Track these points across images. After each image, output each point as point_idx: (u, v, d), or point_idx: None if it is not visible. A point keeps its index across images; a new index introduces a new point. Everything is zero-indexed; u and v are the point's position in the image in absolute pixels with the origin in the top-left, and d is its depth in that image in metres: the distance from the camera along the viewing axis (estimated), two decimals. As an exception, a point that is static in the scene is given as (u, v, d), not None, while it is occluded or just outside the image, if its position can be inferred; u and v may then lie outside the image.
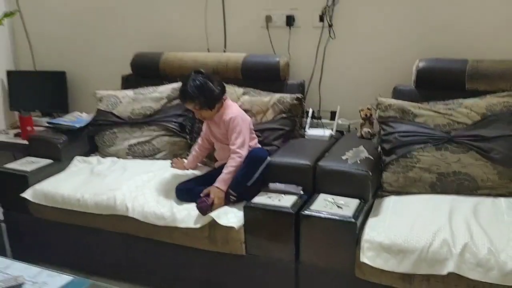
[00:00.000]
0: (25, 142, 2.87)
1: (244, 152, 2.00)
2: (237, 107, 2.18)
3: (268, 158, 1.98)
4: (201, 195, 1.93)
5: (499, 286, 1.50)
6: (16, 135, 3.02)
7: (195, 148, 2.29)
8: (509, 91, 2.01)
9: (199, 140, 2.27)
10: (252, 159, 1.98)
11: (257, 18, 2.57)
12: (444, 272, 1.54)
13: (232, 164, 1.99)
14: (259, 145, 2.16)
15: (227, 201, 1.94)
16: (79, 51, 3.08)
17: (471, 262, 1.52)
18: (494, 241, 1.55)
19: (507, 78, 2.04)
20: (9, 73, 3.17)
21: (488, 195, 1.87)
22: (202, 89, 2.02)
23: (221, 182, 1.95)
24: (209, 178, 2.04)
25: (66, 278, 1.39)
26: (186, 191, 2.02)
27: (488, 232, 1.60)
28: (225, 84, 2.14)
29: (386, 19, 2.35)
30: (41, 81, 3.13)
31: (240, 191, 1.95)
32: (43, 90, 3.13)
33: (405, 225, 1.69)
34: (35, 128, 2.94)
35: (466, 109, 1.99)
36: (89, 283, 1.38)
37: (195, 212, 1.91)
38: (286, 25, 2.52)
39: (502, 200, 1.84)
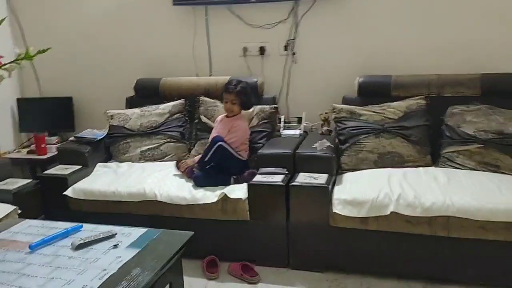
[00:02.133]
0: (40, 157, 3.43)
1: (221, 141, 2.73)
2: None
3: (219, 143, 2.68)
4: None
5: (422, 218, 2.31)
6: (28, 152, 3.54)
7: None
8: (420, 95, 2.92)
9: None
10: (211, 142, 2.74)
11: (236, 49, 3.36)
12: (387, 212, 2.33)
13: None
14: (246, 153, 2.88)
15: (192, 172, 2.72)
16: (84, 77, 3.68)
17: (404, 204, 2.33)
18: (417, 191, 2.38)
19: (418, 87, 2.95)
20: (19, 100, 3.70)
21: (412, 166, 2.73)
22: (247, 92, 2.85)
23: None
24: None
25: (142, 229, 2.03)
26: (202, 177, 2.70)
27: (413, 186, 2.43)
28: (211, 99, 2.96)
29: (333, 47, 3.22)
30: (49, 106, 3.68)
31: (202, 166, 2.70)
32: (51, 113, 3.67)
33: (360, 187, 2.49)
34: (47, 145, 3.50)
35: (393, 109, 2.87)
36: (160, 232, 2.02)
37: (209, 192, 2.60)
38: (259, 54, 3.34)
39: (421, 169, 2.70)
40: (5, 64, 3.03)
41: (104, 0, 3.55)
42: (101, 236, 1.94)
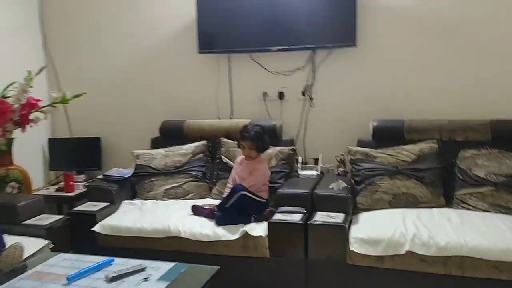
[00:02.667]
0: (68, 194, 3.60)
1: (251, 185, 2.88)
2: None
3: (241, 193, 2.80)
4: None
5: (436, 257, 2.39)
6: (57, 189, 3.71)
7: (229, 186, 3.10)
8: (432, 139, 3.06)
9: (230, 181, 3.10)
10: (232, 190, 2.86)
11: (257, 93, 3.56)
12: (403, 251, 2.42)
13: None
14: (266, 193, 3.01)
15: (213, 215, 2.82)
16: (112, 118, 3.90)
17: (418, 243, 2.42)
18: (431, 231, 2.48)
19: (430, 131, 3.09)
20: (50, 140, 3.92)
21: (425, 207, 2.84)
22: (261, 136, 2.99)
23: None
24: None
25: (170, 263, 2.15)
26: (223, 217, 2.83)
27: (427, 226, 2.53)
28: (232, 141, 3.20)
29: (348, 93, 3.41)
30: (78, 145, 3.88)
31: (221, 209, 2.81)
32: (80, 152, 3.87)
33: (376, 226, 2.60)
34: (75, 183, 3.67)
35: (406, 152, 3.00)
36: (187, 266, 2.14)
37: (231, 229, 2.72)
38: (278, 98, 3.53)
39: (434, 210, 2.80)
40: (43, 107, 3.29)
41: (133, 47, 3.81)
42: (132, 270, 2.07)
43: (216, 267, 2.13)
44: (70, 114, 3.95)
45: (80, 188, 3.65)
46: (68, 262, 2.22)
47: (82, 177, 3.77)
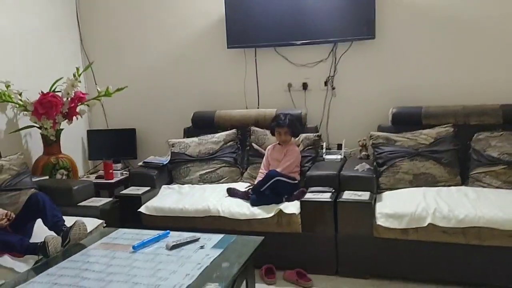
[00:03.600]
0: (108, 181, 3.86)
1: (284, 169, 3.15)
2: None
3: (276, 178, 3.05)
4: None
5: (456, 229, 2.64)
6: (97, 177, 3.98)
7: (262, 172, 3.36)
8: (448, 124, 3.30)
9: (263, 167, 3.36)
10: (267, 175, 3.12)
11: (282, 84, 3.82)
12: (425, 224, 2.67)
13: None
14: (298, 174, 3.28)
15: (248, 197, 3.09)
16: (146, 110, 4.17)
17: (439, 216, 2.67)
18: (450, 205, 2.73)
19: (446, 117, 3.32)
20: (89, 132, 4.20)
21: (443, 186, 3.09)
22: (295, 123, 3.31)
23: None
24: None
25: (220, 235, 2.42)
26: (257, 199, 3.10)
27: (446, 201, 2.78)
28: (261, 129, 3.49)
29: (368, 82, 3.65)
30: (115, 136, 4.16)
31: (256, 193, 3.07)
32: (116, 143, 4.15)
33: (399, 203, 2.85)
34: (114, 171, 3.95)
35: (424, 136, 3.25)
36: (235, 237, 2.41)
37: (266, 208, 2.98)
38: (302, 89, 3.79)
39: (452, 188, 3.06)
40: (89, 100, 3.57)
41: (166, 44, 4.07)
42: (188, 240, 2.35)
43: (261, 237, 2.40)
44: (106, 107, 4.22)
45: (118, 176, 3.93)
46: (128, 235, 2.50)
47: (119, 165, 4.04)
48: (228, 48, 3.79)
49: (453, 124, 3.29)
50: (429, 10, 3.45)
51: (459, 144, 3.22)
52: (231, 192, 3.22)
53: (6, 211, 2.53)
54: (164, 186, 3.51)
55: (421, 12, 3.47)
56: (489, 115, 3.25)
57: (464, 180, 3.14)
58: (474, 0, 3.37)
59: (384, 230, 2.78)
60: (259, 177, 3.29)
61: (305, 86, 3.78)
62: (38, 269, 2.12)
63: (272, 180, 3.05)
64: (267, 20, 3.69)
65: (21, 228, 2.42)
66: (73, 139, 3.99)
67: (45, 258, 2.24)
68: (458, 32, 3.42)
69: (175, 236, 2.41)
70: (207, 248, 2.27)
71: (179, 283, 1.89)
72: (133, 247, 2.27)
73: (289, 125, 3.28)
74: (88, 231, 2.64)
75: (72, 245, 2.37)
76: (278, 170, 3.14)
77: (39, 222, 2.55)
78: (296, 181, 3.17)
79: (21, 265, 2.27)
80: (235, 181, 3.54)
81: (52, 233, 2.39)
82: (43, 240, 2.26)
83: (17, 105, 3.29)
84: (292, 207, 2.97)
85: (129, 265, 2.11)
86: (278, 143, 3.36)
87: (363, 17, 3.50)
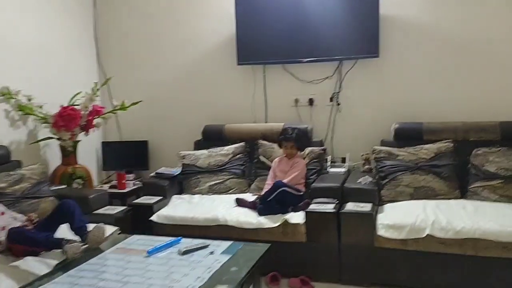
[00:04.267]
0: (121, 190, 4.03)
1: (290, 180, 3.30)
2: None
3: (282, 189, 3.20)
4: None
5: (453, 240, 2.76)
6: (110, 187, 4.15)
7: (268, 183, 3.51)
8: (448, 139, 3.44)
9: (269, 179, 3.51)
10: (274, 186, 3.26)
11: (289, 100, 3.99)
12: (424, 235, 2.80)
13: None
14: (303, 187, 3.42)
15: (255, 207, 3.22)
16: (158, 123, 4.35)
17: (438, 228, 2.80)
18: (448, 218, 2.86)
19: (447, 132, 3.47)
20: (103, 143, 4.38)
21: (443, 199, 3.22)
22: (301, 137, 3.48)
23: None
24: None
25: (228, 242, 2.57)
26: (264, 209, 3.24)
27: (445, 214, 2.91)
28: (268, 142, 3.63)
29: (372, 99, 3.81)
30: (128, 148, 4.33)
31: (263, 203, 3.20)
32: (129, 154, 4.32)
33: (400, 214, 2.99)
34: (126, 181, 4.11)
35: (425, 150, 3.39)
36: (243, 244, 2.55)
37: (272, 218, 3.13)
38: (308, 104, 3.95)
39: (451, 201, 3.19)
40: (105, 113, 3.75)
41: (178, 60, 4.27)
42: (199, 246, 2.50)
43: (268, 244, 2.54)
44: (120, 120, 4.40)
45: (130, 186, 4.10)
46: (142, 241, 2.65)
47: (131, 176, 4.21)
48: (238, 65, 3.98)
49: (453, 139, 3.43)
50: (430, 32, 3.62)
51: (459, 159, 3.36)
52: (239, 202, 3.37)
53: (29, 215, 2.71)
54: (174, 196, 3.67)
55: (423, 33, 3.64)
56: (488, 131, 3.39)
57: (463, 193, 3.27)
58: (473, 22, 3.53)
59: (385, 240, 2.91)
60: (266, 189, 3.43)
61: (311, 101, 3.95)
62: (58, 271, 2.28)
63: (278, 191, 3.20)
64: (276, 38, 3.87)
65: (48, 230, 2.58)
66: (88, 150, 4.17)
67: (66, 259, 2.40)
68: (458, 52, 3.59)
69: (186, 243, 2.56)
70: (216, 253, 2.42)
71: (191, 284, 2.04)
72: (148, 252, 2.42)
73: (296, 139, 3.45)
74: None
75: (90, 248, 2.52)
76: (285, 181, 3.29)
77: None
78: (301, 193, 3.31)
79: (42, 268, 2.42)
80: (243, 192, 3.69)
81: (75, 237, 2.56)
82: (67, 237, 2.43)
83: (38, 118, 3.49)
84: (297, 217, 3.11)
85: (144, 268, 2.26)
86: (285, 156, 3.51)
87: (367, 37, 3.67)
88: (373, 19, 3.62)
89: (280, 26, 3.84)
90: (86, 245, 2.50)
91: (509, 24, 3.46)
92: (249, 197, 3.49)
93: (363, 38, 3.69)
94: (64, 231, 2.67)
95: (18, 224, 2.66)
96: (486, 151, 3.29)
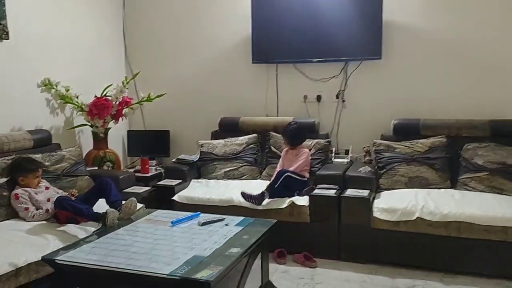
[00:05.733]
0: (144, 174, 4.43)
1: (295, 168, 3.65)
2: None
3: (286, 174, 3.54)
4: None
5: (440, 223, 3.12)
6: (135, 171, 4.56)
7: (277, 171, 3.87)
8: (442, 135, 3.79)
9: (279, 167, 3.87)
10: (278, 174, 3.60)
11: (298, 96, 4.37)
12: (414, 217, 3.16)
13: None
14: (308, 173, 3.80)
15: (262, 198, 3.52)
16: (179, 115, 4.77)
17: (426, 212, 3.15)
18: (437, 204, 3.21)
19: (441, 128, 3.82)
20: (129, 132, 4.81)
21: (435, 188, 3.57)
22: (299, 135, 3.79)
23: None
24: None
25: (241, 217, 2.96)
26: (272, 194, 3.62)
27: (434, 200, 3.26)
28: (278, 134, 3.95)
29: (374, 96, 4.18)
30: (151, 136, 4.76)
31: (271, 191, 3.52)
32: (152, 142, 4.75)
33: (394, 200, 3.35)
34: (149, 167, 4.52)
35: (420, 144, 3.74)
36: (254, 219, 2.94)
37: (280, 201, 3.51)
38: (316, 101, 4.33)
39: (442, 190, 3.54)
40: (133, 104, 4.16)
41: (198, 58, 4.68)
42: (215, 219, 2.89)
43: (275, 220, 2.93)
44: (144, 110, 4.82)
45: (152, 171, 4.51)
46: (166, 215, 3.06)
47: (154, 162, 4.63)
48: (253, 63, 4.37)
49: (446, 135, 3.77)
50: (428, 36, 3.98)
51: (451, 153, 3.70)
52: (245, 196, 3.58)
53: (70, 191, 3.13)
54: (193, 180, 4.07)
55: (422, 37, 4.00)
56: (478, 128, 3.73)
57: (454, 184, 3.61)
58: (468, 26, 3.87)
59: (380, 222, 3.27)
60: (274, 176, 3.81)
61: (319, 98, 4.33)
62: (99, 234, 2.69)
63: (283, 176, 3.55)
64: (288, 40, 4.25)
65: (87, 203, 3.00)
66: (116, 138, 4.59)
67: (103, 227, 2.81)
68: (453, 56, 3.94)
69: (204, 216, 2.96)
70: (231, 225, 2.81)
71: (210, 247, 2.43)
72: (172, 223, 2.82)
73: (289, 136, 3.85)
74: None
75: (123, 218, 2.93)
76: (290, 169, 3.66)
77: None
78: (305, 179, 3.69)
79: (82, 233, 2.84)
80: (255, 178, 4.08)
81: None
82: (104, 211, 2.84)
83: (76, 106, 3.92)
84: (302, 200, 3.49)
85: (169, 235, 2.66)
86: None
87: (371, 40, 4.03)
88: (377, 24, 3.97)
89: (292, 29, 4.22)
90: (121, 214, 2.91)
91: (499, 29, 3.80)
92: (255, 189, 3.72)
93: (367, 41, 4.05)
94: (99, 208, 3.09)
95: (61, 197, 3.08)
96: (476, 146, 3.63)
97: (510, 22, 3.77)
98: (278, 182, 3.56)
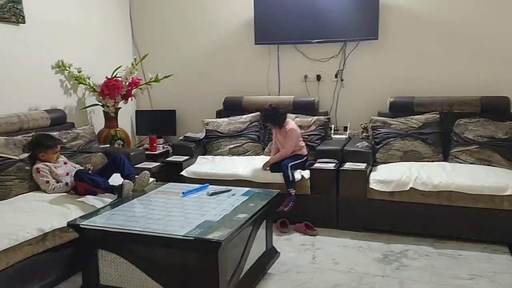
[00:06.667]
0: (152, 152, 4.65)
1: (288, 150, 3.80)
2: (293, 122, 4.04)
3: (288, 165, 3.63)
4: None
5: (432, 192, 3.35)
6: (144, 149, 4.79)
7: (273, 150, 4.05)
8: (436, 111, 3.99)
9: (273, 146, 4.07)
10: (283, 168, 3.70)
11: (299, 76, 4.57)
12: (408, 188, 3.39)
13: (280, 154, 3.81)
14: (305, 148, 3.98)
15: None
16: (184, 95, 4.97)
17: (419, 183, 3.38)
18: (429, 175, 3.43)
19: (434, 105, 4.02)
20: (136, 111, 5.02)
21: (428, 161, 3.80)
22: (273, 117, 3.86)
23: (273, 159, 3.83)
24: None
25: (247, 188, 3.19)
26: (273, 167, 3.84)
27: (427, 172, 3.49)
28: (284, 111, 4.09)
29: (371, 76, 4.37)
30: (158, 116, 4.97)
31: (289, 185, 3.65)
32: (159, 121, 4.96)
33: (389, 172, 3.58)
34: (157, 145, 4.74)
35: (415, 120, 3.95)
36: (258, 189, 3.17)
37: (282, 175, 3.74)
38: (316, 80, 4.53)
39: (434, 163, 3.76)
40: (141, 85, 4.36)
41: (203, 40, 4.87)
42: (223, 190, 3.12)
43: (277, 190, 3.16)
44: (151, 91, 5.02)
45: (160, 149, 4.72)
46: (177, 187, 3.29)
47: (161, 140, 4.84)
48: (255, 44, 4.55)
49: (439, 111, 3.98)
50: (422, 17, 4.16)
51: (444, 128, 3.91)
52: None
53: (85, 165, 3.37)
54: (200, 157, 4.30)
55: (416, 18, 4.18)
56: (470, 105, 3.94)
57: (446, 157, 3.84)
58: (459, 8, 4.05)
59: (376, 193, 3.50)
60: (272, 154, 3.98)
61: (318, 77, 4.52)
62: (115, 204, 2.93)
63: (289, 169, 3.64)
64: (289, 21, 4.42)
65: (102, 177, 3.23)
66: (125, 117, 4.80)
67: (119, 197, 3.05)
68: (445, 36, 4.13)
69: (213, 188, 3.19)
70: (237, 195, 3.04)
71: (219, 213, 2.67)
72: (183, 193, 3.06)
73: (268, 121, 3.98)
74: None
75: (137, 190, 3.17)
76: (283, 154, 3.78)
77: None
78: (304, 158, 3.88)
79: (100, 203, 3.07)
80: (258, 154, 4.30)
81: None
82: (120, 183, 3.07)
83: (88, 87, 4.12)
84: (304, 174, 3.72)
85: (181, 203, 2.90)
86: None
87: (368, 22, 4.21)
88: (374, 6, 4.15)
89: (292, 11, 4.39)
90: (135, 186, 3.15)
91: (491, 11, 3.98)
92: (259, 163, 3.94)
93: (365, 22, 4.23)
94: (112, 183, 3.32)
95: (79, 171, 3.31)
96: (467, 121, 3.84)
97: (501, 4, 3.95)
98: (290, 175, 3.65)
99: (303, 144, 3.99)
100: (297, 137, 3.92)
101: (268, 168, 3.84)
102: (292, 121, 4.04)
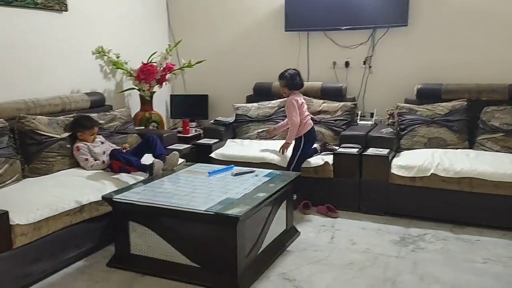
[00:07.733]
0: (185, 135, 4.88)
1: (290, 123, 3.84)
2: (299, 96, 3.95)
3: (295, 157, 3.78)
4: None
5: (453, 178, 3.39)
6: (177, 132, 5.02)
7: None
8: (463, 99, 3.99)
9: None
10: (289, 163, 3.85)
11: (328, 62, 4.64)
12: (429, 174, 3.44)
13: (289, 133, 3.88)
14: (310, 121, 3.98)
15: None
16: (217, 80, 5.16)
17: (441, 169, 3.43)
18: (451, 161, 3.47)
19: (462, 93, 4.02)
20: (171, 96, 5.26)
21: (452, 148, 3.82)
22: (291, 77, 3.87)
23: (287, 142, 3.90)
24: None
25: (269, 170, 3.34)
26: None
27: (449, 158, 3.53)
28: (308, 97, 4.19)
29: (399, 62, 4.39)
30: (191, 100, 5.18)
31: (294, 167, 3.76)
32: (192, 105, 5.17)
33: (411, 158, 3.63)
34: (190, 128, 4.96)
35: (441, 107, 3.97)
36: (280, 171, 3.32)
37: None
38: (344, 66, 4.59)
39: (459, 150, 3.78)
40: (176, 70, 4.57)
41: (235, 27, 5.02)
42: (247, 171, 3.29)
43: (299, 172, 3.30)
44: (185, 76, 5.23)
45: (192, 132, 4.94)
46: (204, 167, 3.49)
47: (193, 124, 5.06)
48: (285, 31, 4.66)
49: (467, 99, 3.98)
50: (451, 3, 4.15)
51: (471, 116, 3.91)
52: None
53: (122, 145, 3.62)
54: (229, 140, 4.48)
55: (445, 4, 4.17)
56: (498, 92, 3.91)
57: (472, 145, 3.85)
58: (491, -4, 4.00)
59: (397, 178, 3.57)
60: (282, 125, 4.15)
61: (347, 64, 4.59)
62: (146, 181, 3.16)
63: (294, 165, 3.75)
64: (319, 8, 4.50)
65: (136, 156, 3.48)
66: (160, 101, 5.05)
67: (150, 176, 3.27)
68: (476, 22, 4.10)
69: (237, 169, 3.37)
70: (260, 176, 3.20)
71: (240, 192, 2.84)
72: (208, 173, 3.25)
73: (283, 78, 3.85)
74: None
75: (167, 169, 3.39)
76: (292, 130, 3.83)
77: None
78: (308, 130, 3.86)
79: (133, 180, 3.31)
80: (285, 138, 4.42)
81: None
82: (151, 162, 3.30)
83: (125, 72, 4.37)
84: (327, 158, 3.83)
85: (207, 182, 3.09)
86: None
87: (398, 8, 4.23)
88: (404, -8, 4.16)
89: (322, -2, 4.47)
90: (165, 165, 3.37)
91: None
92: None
93: (394, 9, 4.25)
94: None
95: (115, 150, 3.57)
96: (494, 109, 3.83)
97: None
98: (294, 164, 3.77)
99: (305, 120, 3.89)
100: (293, 107, 3.81)
101: (286, 152, 3.91)
102: (298, 97, 3.92)
